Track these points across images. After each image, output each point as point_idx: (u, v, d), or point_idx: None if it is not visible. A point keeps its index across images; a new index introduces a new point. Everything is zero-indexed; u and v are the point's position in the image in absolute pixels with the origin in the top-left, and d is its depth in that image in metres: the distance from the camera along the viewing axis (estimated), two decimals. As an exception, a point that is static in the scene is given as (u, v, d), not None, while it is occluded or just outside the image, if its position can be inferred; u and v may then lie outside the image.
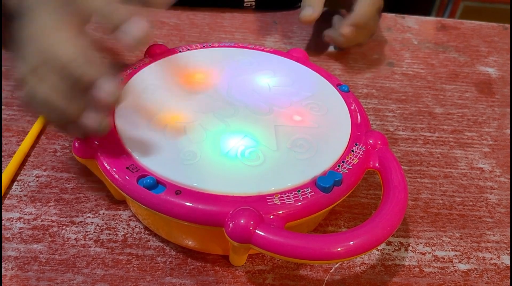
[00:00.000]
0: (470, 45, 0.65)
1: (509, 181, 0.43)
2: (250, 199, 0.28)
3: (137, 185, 0.28)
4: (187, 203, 0.28)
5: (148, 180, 0.28)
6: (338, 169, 0.31)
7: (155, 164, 0.30)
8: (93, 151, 0.31)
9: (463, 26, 0.70)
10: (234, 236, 0.26)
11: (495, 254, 0.36)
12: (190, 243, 0.33)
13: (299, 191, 0.29)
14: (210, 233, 0.30)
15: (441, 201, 0.41)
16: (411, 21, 0.69)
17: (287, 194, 0.29)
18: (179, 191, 0.28)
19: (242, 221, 0.26)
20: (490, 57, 0.62)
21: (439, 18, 0.72)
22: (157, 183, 0.29)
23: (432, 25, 0.69)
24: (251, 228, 0.26)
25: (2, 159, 0.39)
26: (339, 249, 0.26)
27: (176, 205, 0.28)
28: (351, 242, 0.27)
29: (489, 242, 0.37)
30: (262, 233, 0.26)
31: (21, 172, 0.39)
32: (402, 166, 0.43)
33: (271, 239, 0.26)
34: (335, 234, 0.28)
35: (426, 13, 1.19)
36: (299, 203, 0.29)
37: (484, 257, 0.36)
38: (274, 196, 0.29)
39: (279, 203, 0.28)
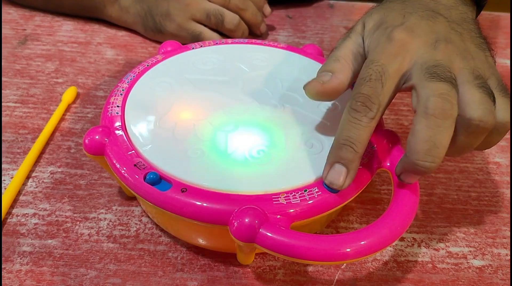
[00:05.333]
0: (488, 37, 0.63)
1: (527, 175, 0.42)
2: (256, 198, 0.28)
3: (143, 182, 0.29)
4: (192, 201, 0.28)
5: (151, 176, 0.29)
6: None
7: (163, 162, 0.30)
8: (103, 148, 0.31)
9: (480, 17, 0.68)
10: (238, 235, 0.26)
11: (510, 250, 0.36)
12: (197, 241, 0.33)
13: (305, 190, 0.29)
14: (216, 231, 0.30)
15: (456, 196, 0.40)
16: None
17: (293, 193, 0.29)
18: (185, 189, 0.28)
19: (246, 220, 0.26)
20: (508, 49, 0.61)
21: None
22: (160, 179, 0.29)
23: (449, 17, 0.68)
24: (255, 227, 0.26)
25: (18, 155, 0.40)
26: (346, 250, 0.26)
27: (182, 202, 0.28)
28: (356, 244, 0.26)
29: (505, 238, 0.37)
30: (267, 233, 0.26)
31: (36, 168, 0.39)
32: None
33: (276, 239, 0.26)
34: (341, 235, 0.27)
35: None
36: (306, 203, 0.28)
37: (499, 253, 0.36)
38: (280, 195, 0.28)
39: (285, 203, 0.28)
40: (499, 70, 0.56)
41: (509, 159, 0.44)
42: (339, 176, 0.28)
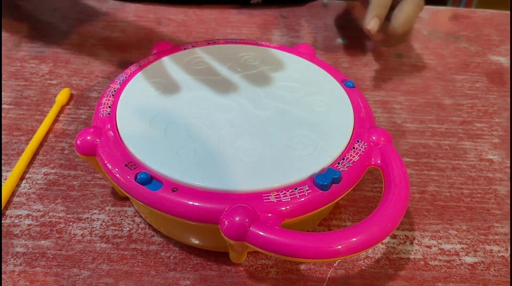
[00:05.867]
0: (482, 34, 0.64)
1: (520, 172, 0.43)
2: (246, 197, 0.28)
3: (134, 182, 0.29)
4: (183, 200, 0.28)
5: (142, 175, 0.29)
6: (337, 166, 0.31)
7: (153, 161, 0.30)
8: (94, 149, 0.31)
9: (475, 15, 0.68)
10: (229, 234, 0.27)
11: (503, 247, 0.36)
12: (190, 240, 0.33)
13: (296, 188, 0.29)
14: (208, 230, 0.30)
15: (448, 194, 0.40)
16: (422, 11, 0.68)
17: (283, 191, 0.29)
18: (176, 188, 0.28)
19: (237, 218, 0.26)
20: (502, 46, 0.61)
21: (450, 7, 0.71)
22: (151, 178, 0.29)
23: (443, 15, 0.68)
24: (246, 225, 0.26)
25: (12, 157, 0.40)
26: (337, 247, 0.26)
27: (172, 202, 0.28)
28: (347, 241, 0.26)
29: (497, 235, 0.37)
30: (257, 231, 0.26)
31: (30, 170, 0.39)
32: (409, 159, 0.43)
33: (266, 237, 0.26)
34: (331, 232, 0.27)
35: (442, 3, 1.17)
36: (296, 201, 0.28)
37: (492, 249, 0.36)
38: (270, 194, 0.28)
39: (275, 201, 0.28)
40: (492, 67, 0.56)
41: (501, 156, 0.44)
42: (376, 25, 0.50)
